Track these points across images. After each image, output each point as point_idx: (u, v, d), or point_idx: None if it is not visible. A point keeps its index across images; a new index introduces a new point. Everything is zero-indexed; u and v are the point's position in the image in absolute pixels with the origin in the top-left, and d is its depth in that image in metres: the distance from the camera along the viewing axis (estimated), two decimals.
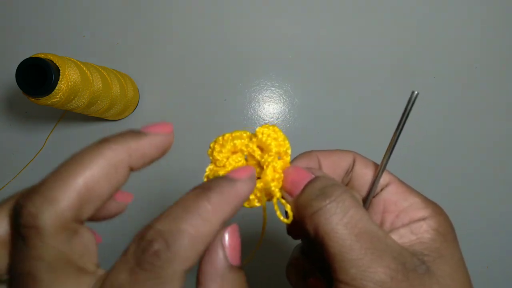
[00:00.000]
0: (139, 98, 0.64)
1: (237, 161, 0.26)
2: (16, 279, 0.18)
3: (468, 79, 0.63)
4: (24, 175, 0.64)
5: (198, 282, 0.20)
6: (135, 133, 0.20)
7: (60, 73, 0.44)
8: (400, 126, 0.26)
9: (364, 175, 0.27)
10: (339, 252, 0.22)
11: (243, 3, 0.65)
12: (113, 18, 0.66)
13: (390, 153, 0.26)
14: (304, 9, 0.65)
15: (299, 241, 0.32)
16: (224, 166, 0.26)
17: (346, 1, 0.65)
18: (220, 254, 0.20)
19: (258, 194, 0.25)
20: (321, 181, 0.24)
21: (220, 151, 0.26)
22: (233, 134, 0.26)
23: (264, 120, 0.64)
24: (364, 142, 0.62)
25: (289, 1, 0.65)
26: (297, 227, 0.27)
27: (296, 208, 0.24)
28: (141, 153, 0.20)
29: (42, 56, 0.44)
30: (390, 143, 0.26)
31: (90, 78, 0.50)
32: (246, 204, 0.25)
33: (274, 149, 0.25)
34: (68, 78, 0.45)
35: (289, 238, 0.30)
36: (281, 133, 0.26)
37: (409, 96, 0.24)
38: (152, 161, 0.21)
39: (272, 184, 0.25)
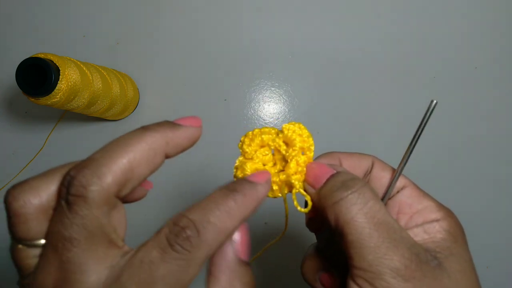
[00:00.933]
0: (139, 98, 0.64)
1: (264, 154, 0.28)
2: (54, 243, 0.20)
3: (468, 79, 0.63)
4: (24, 175, 0.64)
5: (209, 272, 0.23)
6: (172, 124, 0.23)
7: (60, 73, 0.44)
8: (418, 134, 0.28)
9: (381, 178, 0.29)
10: (357, 239, 0.23)
11: (243, 3, 0.65)
12: (113, 18, 0.66)
13: (407, 159, 0.28)
14: (304, 9, 0.65)
15: (313, 239, 0.33)
16: (252, 158, 0.28)
17: (346, 1, 0.65)
18: (231, 248, 0.23)
19: (277, 187, 0.27)
20: (342, 175, 0.26)
21: (249, 145, 0.28)
22: (262, 130, 0.28)
23: (264, 120, 0.64)
24: (364, 142, 0.62)
25: (289, 1, 0.65)
26: (316, 218, 0.30)
27: (318, 199, 0.26)
28: (176, 142, 0.23)
29: (42, 56, 0.44)
30: (407, 150, 0.29)
31: (90, 78, 0.50)
32: (270, 194, 0.27)
33: (298, 144, 0.27)
34: (68, 78, 0.45)
35: (305, 232, 0.31)
36: (306, 130, 0.28)
37: (428, 105, 0.26)
38: (183, 150, 0.24)
39: (294, 177, 0.26)
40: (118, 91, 0.56)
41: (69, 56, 0.49)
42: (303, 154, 0.28)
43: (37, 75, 0.44)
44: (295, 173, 0.27)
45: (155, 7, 0.66)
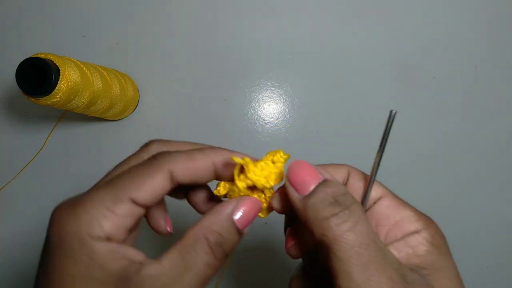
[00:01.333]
0: (139, 98, 0.64)
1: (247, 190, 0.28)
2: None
3: (468, 79, 0.63)
4: (24, 175, 0.64)
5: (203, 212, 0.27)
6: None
7: (60, 73, 0.44)
8: (383, 146, 0.26)
9: (358, 188, 0.28)
10: (346, 257, 0.22)
11: (243, 3, 0.65)
12: (113, 18, 0.66)
13: (376, 170, 0.26)
14: (304, 9, 0.65)
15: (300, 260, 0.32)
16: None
17: (346, 1, 0.65)
18: (231, 206, 0.25)
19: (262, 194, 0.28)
20: (333, 187, 0.24)
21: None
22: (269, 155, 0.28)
23: (264, 120, 0.64)
24: (364, 142, 0.62)
25: (289, 1, 0.65)
26: (297, 245, 0.30)
27: (304, 208, 0.24)
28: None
29: (42, 56, 0.44)
30: (375, 162, 0.26)
31: (90, 78, 0.50)
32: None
33: (261, 185, 0.27)
34: (68, 78, 0.45)
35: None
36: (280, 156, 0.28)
37: (387, 115, 0.24)
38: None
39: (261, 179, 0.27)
40: (118, 91, 0.56)
41: (69, 56, 0.49)
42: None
43: (37, 75, 0.44)
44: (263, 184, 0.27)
45: (155, 7, 0.66)
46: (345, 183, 0.28)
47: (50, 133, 0.65)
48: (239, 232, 0.25)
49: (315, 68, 0.64)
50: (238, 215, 0.25)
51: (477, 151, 0.63)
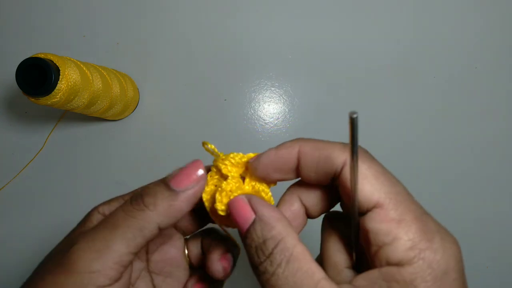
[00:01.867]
0: (139, 98, 0.64)
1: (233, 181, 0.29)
2: None
3: (468, 79, 0.63)
4: (24, 175, 0.64)
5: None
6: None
7: (60, 73, 0.44)
8: (355, 151, 0.21)
9: (311, 159, 0.25)
10: None
11: (243, 3, 0.65)
12: (113, 18, 0.66)
13: (356, 178, 0.22)
14: (304, 9, 0.65)
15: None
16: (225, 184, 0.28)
17: (346, 1, 0.65)
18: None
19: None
20: (258, 231, 0.23)
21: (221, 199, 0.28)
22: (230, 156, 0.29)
23: (264, 120, 0.64)
24: (364, 142, 0.62)
25: (289, 1, 0.65)
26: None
27: (245, 248, 0.24)
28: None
29: (42, 56, 0.44)
30: (351, 172, 0.22)
31: (90, 78, 0.50)
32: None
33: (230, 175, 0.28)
34: (68, 78, 0.45)
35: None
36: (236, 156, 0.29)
37: (348, 119, 0.19)
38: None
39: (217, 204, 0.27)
40: (118, 91, 0.56)
41: (69, 56, 0.49)
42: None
43: (37, 75, 0.44)
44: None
45: (155, 7, 0.66)
46: (338, 174, 0.24)
47: (50, 133, 0.65)
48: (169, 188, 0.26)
49: (315, 68, 0.64)
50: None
51: (477, 151, 0.63)
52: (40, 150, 0.65)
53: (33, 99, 0.45)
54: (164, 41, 0.65)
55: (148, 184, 0.27)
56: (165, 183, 0.26)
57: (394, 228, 0.20)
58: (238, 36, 0.65)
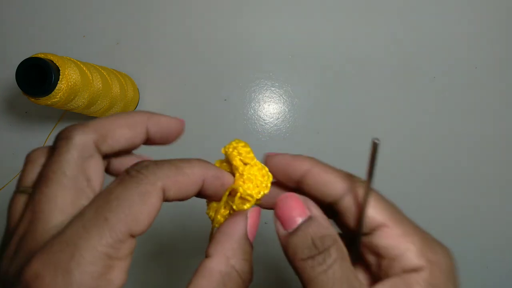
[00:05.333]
0: (139, 98, 0.64)
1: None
2: (35, 184, 0.22)
3: (468, 79, 0.63)
4: None
5: (213, 238, 0.24)
6: (155, 112, 0.26)
7: (60, 73, 0.44)
8: (372, 175, 0.24)
9: (321, 182, 0.26)
10: None
11: (243, 3, 0.65)
12: (113, 18, 0.66)
13: (367, 199, 0.24)
14: (305, 9, 0.65)
15: None
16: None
17: (346, 1, 0.65)
18: (242, 223, 0.24)
19: (238, 202, 0.26)
20: (314, 227, 0.24)
21: None
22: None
23: (264, 120, 0.64)
24: (365, 142, 0.62)
25: (289, 0, 0.65)
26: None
27: (286, 245, 0.25)
28: (156, 120, 0.25)
29: (42, 56, 0.44)
30: (365, 192, 0.24)
31: (90, 78, 0.50)
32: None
33: (236, 158, 0.27)
34: (68, 78, 0.45)
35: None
36: (241, 143, 0.27)
37: (370, 145, 0.22)
38: (164, 134, 0.26)
39: (238, 184, 0.26)
40: (118, 91, 0.56)
41: (69, 56, 0.49)
42: (246, 164, 0.27)
43: (37, 75, 0.44)
44: (244, 182, 0.26)
45: (155, 7, 0.66)
46: (301, 178, 0.27)
47: (50, 133, 0.65)
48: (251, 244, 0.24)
49: (315, 68, 0.64)
50: (249, 229, 0.24)
51: (477, 151, 0.63)
52: None
53: (33, 99, 0.45)
54: (164, 41, 0.65)
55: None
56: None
57: (402, 242, 0.24)
58: (238, 36, 0.65)
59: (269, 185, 0.26)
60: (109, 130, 0.23)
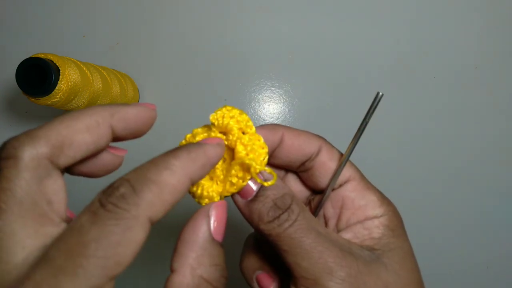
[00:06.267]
0: (139, 98, 0.64)
1: None
2: None
3: (468, 79, 0.63)
4: None
5: (175, 249, 0.21)
6: (120, 104, 0.22)
7: (60, 73, 0.44)
8: (361, 129, 0.27)
9: (327, 167, 0.28)
10: (291, 249, 0.24)
11: (243, 3, 0.65)
12: (113, 18, 0.66)
13: (350, 153, 0.27)
14: (304, 9, 0.65)
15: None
16: None
17: (346, 1, 0.65)
18: (204, 224, 0.21)
19: (240, 174, 0.25)
20: (272, 190, 0.25)
21: None
22: (193, 132, 0.27)
23: (264, 120, 0.64)
24: (365, 142, 0.62)
25: (290, 1, 0.65)
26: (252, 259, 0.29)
27: (249, 213, 0.25)
28: (122, 116, 0.21)
29: (42, 56, 0.44)
30: (350, 144, 0.28)
31: (90, 78, 0.50)
32: (234, 189, 0.25)
33: (234, 127, 0.25)
34: (68, 78, 0.45)
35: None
36: (236, 110, 0.26)
37: (374, 96, 0.25)
38: (133, 129, 0.22)
39: (247, 159, 0.24)
40: (118, 91, 0.56)
41: (69, 56, 0.49)
42: (244, 134, 0.25)
43: (37, 75, 0.44)
44: (247, 154, 0.25)
45: (155, 7, 0.66)
46: (314, 157, 0.28)
47: None
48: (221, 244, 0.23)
49: (315, 68, 0.64)
50: (214, 229, 0.22)
51: (477, 151, 0.63)
52: None
53: (33, 99, 0.45)
54: (164, 41, 0.65)
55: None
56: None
57: (366, 194, 0.27)
58: (238, 36, 0.65)
59: (267, 154, 0.26)
60: (65, 138, 0.19)
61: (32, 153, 0.18)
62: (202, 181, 0.25)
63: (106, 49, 0.65)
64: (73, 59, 0.49)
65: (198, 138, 0.26)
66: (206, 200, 0.25)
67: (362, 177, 0.28)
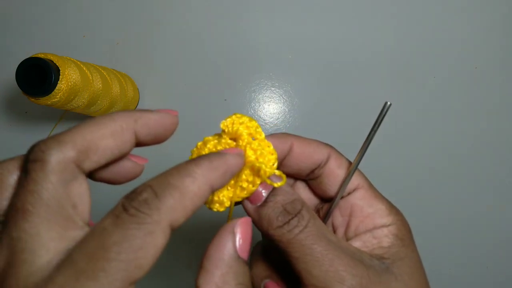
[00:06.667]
0: (139, 98, 0.64)
1: None
2: (8, 218, 0.18)
3: (468, 79, 0.63)
4: None
5: (201, 266, 0.21)
6: (142, 109, 0.23)
7: (60, 73, 0.44)
8: (370, 138, 0.28)
9: (335, 175, 0.28)
10: (301, 256, 0.23)
11: (243, 3, 0.65)
12: (113, 18, 0.66)
13: (358, 163, 0.27)
14: (304, 9, 0.65)
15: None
16: None
17: (346, 1, 0.65)
18: (230, 242, 0.21)
19: (250, 179, 0.25)
20: (282, 195, 0.25)
21: None
22: (204, 140, 0.28)
23: (264, 120, 0.64)
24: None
25: (289, 1, 0.65)
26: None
27: (258, 218, 0.25)
28: (146, 122, 0.22)
29: (42, 56, 0.44)
30: (358, 155, 0.27)
31: (90, 78, 0.50)
32: (244, 194, 0.25)
33: (244, 132, 0.26)
34: (68, 78, 0.45)
35: None
36: (245, 117, 0.27)
37: (382, 106, 0.25)
38: (156, 135, 0.23)
39: (258, 162, 0.25)
40: (118, 91, 0.56)
41: (69, 56, 0.49)
42: (254, 139, 0.26)
43: (37, 75, 0.44)
44: (257, 158, 0.25)
45: (155, 7, 0.66)
46: (323, 165, 0.28)
47: (50, 133, 0.65)
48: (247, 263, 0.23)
49: (315, 68, 0.64)
50: (239, 247, 0.22)
51: (477, 151, 0.63)
52: None
53: (33, 99, 0.45)
54: (164, 41, 0.65)
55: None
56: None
57: (375, 202, 0.27)
58: (238, 36, 0.65)
59: (276, 159, 0.26)
60: (91, 143, 0.19)
61: (59, 156, 0.18)
62: None
63: (106, 49, 0.65)
64: (73, 59, 0.49)
65: (209, 145, 0.27)
66: (217, 205, 0.25)
67: (371, 185, 0.28)
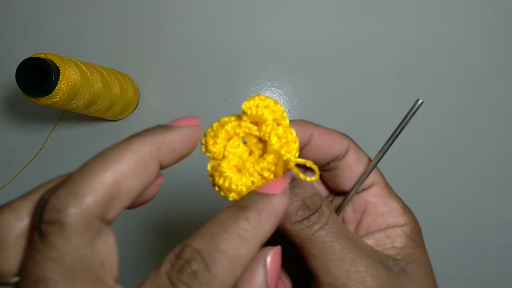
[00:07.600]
0: (139, 98, 0.64)
1: (235, 146, 0.24)
2: (25, 285, 0.16)
3: (468, 79, 0.63)
4: (24, 175, 0.64)
5: None
6: (162, 127, 0.20)
7: (60, 73, 0.44)
8: (397, 132, 0.27)
9: (352, 170, 0.27)
10: (321, 254, 0.22)
11: (243, 3, 0.65)
12: (113, 18, 0.66)
13: (380, 158, 0.26)
14: (304, 9, 0.65)
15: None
16: (224, 157, 0.24)
17: (346, 1, 0.65)
18: (261, 275, 0.20)
19: (273, 168, 0.23)
20: (301, 188, 0.24)
21: (215, 143, 0.24)
22: (221, 121, 0.24)
23: None
24: (365, 142, 0.62)
25: (289, 1, 0.65)
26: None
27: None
28: (169, 147, 0.19)
29: (42, 56, 0.44)
30: (382, 148, 0.27)
31: (90, 78, 0.50)
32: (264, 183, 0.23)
33: (269, 117, 0.23)
34: (68, 78, 0.45)
35: None
36: (270, 99, 0.24)
37: (413, 103, 0.24)
38: (181, 156, 0.20)
39: (283, 151, 0.22)
40: (118, 91, 0.56)
41: (69, 56, 0.49)
42: (278, 125, 0.24)
43: (37, 75, 0.44)
44: (281, 147, 0.23)
45: (155, 7, 0.66)
46: (341, 157, 0.27)
47: (50, 133, 0.65)
48: None
49: (315, 68, 0.64)
50: (269, 278, 0.21)
51: (477, 151, 0.63)
52: (40, 150, 0.65)
53: (33, 99, 0.45)
54: (164, 41, 0.65)
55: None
56: None
57: (390, 201, 0.27)
58: (238, 36, 0.65)
59: (298, 148, 0.23)
60: (113, 190, 0.17)
61: (79, 215, 0.16)
62: (230, 174, 0.23)
63: (106, 49, 0.65)
64: (73, 59, 0.49)
65: (227, 128, 0.24)
66: (233, 194, 0.23)
67: (386, 184, 0.28)
